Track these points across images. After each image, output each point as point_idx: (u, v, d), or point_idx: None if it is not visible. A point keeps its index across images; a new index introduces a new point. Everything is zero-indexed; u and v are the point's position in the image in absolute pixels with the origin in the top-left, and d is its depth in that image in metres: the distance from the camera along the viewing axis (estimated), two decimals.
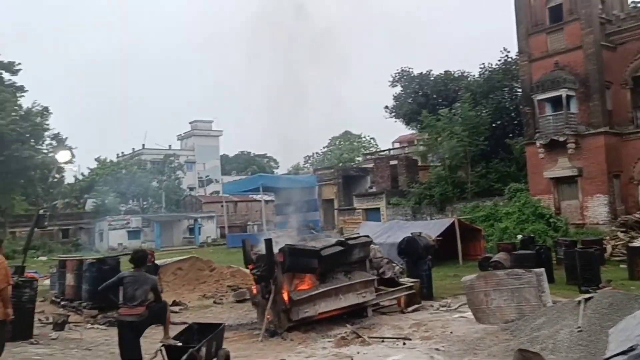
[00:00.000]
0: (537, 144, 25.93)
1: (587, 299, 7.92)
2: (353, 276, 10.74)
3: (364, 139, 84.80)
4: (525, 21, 26.94)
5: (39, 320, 11.26)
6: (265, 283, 10.19)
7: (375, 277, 11.09)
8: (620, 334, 5.54)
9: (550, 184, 25.94)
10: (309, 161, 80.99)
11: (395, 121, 40.99)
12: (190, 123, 77.79)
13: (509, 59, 34.05)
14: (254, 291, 10.84)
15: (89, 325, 11.25)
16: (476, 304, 9.60)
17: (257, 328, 10.44)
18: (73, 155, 22.07)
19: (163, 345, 6.67)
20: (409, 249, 13.09)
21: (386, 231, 21.70)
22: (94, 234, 50.53)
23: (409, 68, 38.37)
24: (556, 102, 25.61)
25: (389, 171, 37.07)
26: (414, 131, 50.81)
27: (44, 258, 35.17)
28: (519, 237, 20.52)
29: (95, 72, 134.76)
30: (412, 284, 11.87)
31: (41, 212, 13.22)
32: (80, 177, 61.14)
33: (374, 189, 38.41)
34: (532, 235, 20.32)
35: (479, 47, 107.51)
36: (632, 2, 28.35)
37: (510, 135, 33.10)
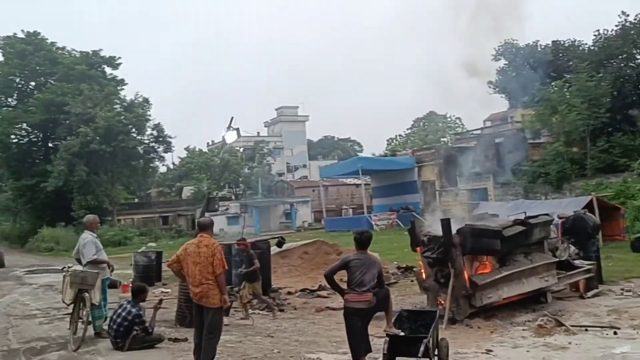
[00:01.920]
0: None
1: None
2: (534, 258, 9.87)
3: (449, 119, 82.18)
4: None
5: None
6: (440, 267, 9.53)
7: (556, 260, 10.15)
8: None
9: None
10: (392, 144, 79.54)
11: (501, 96, 39.12)
12: (276, 109, 78.41)
13: (628, 24, 31.34)
14: (423, 276, 10.19)
15: (251, 311, 11.00)
16: None
17: None
18: (239, 135, 22.29)
19: (387, 335, 6.13)
20: (576, 228, 11.93)
21: (512, 211, 20.55)
22: (193, 220, 51.74)
23: (514, 40, 36.20)
24: None
25: (494, 149, 35.30)
26: (509, 108, 48.68)
27: (153, 244, 36.10)
28: None
29: (177, 62, 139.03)
30: (589, 266, 10.82)
31: (211, 196, 13.18)
32: (172, 167, 63.04)
33: (477, 169, 36.76)
34: None
35: (590, 11, 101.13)
36: None
37: (632, 106, 30.63)
